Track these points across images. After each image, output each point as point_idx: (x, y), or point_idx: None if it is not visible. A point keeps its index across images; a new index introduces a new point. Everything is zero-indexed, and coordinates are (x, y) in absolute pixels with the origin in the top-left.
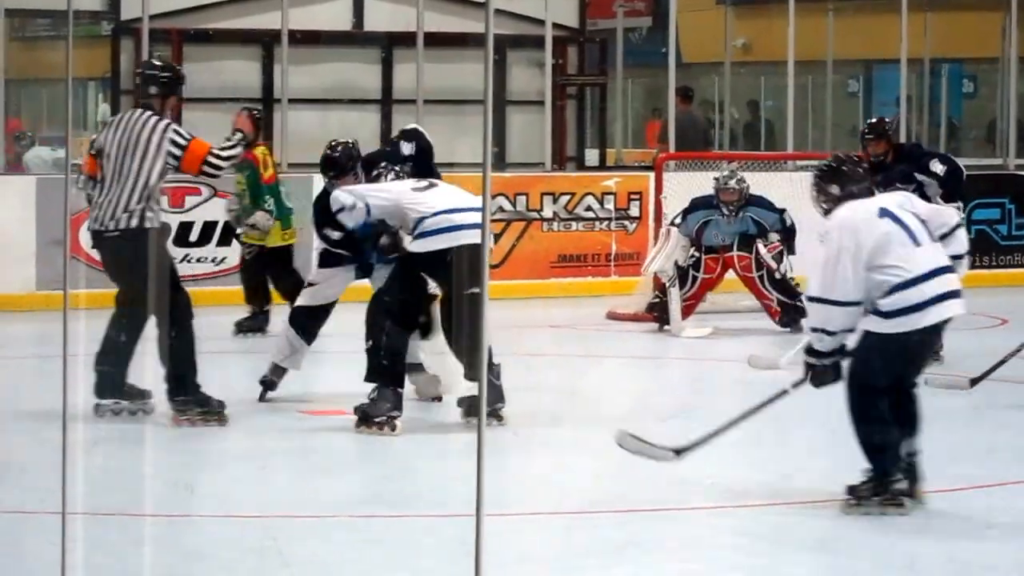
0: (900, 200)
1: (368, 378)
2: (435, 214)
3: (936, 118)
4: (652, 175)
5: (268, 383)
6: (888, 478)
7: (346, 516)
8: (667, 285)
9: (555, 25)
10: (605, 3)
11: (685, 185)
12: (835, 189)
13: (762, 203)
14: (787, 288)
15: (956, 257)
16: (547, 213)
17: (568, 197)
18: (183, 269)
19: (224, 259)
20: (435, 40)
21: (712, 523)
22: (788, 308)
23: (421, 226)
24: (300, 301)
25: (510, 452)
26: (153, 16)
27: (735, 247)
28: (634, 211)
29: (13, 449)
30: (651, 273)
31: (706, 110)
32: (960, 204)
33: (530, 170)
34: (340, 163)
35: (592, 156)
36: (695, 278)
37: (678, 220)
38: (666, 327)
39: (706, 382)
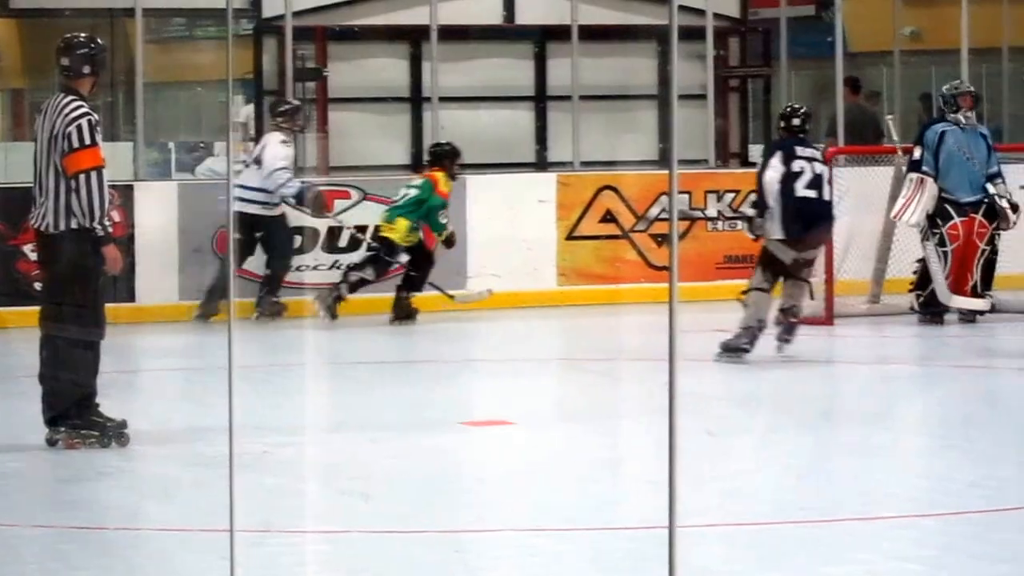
0: None
1: None
2: None
3: None
4: None
5: None
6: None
7: (513, 531)
8: (922, 242)
9: (716, 15)
10: None
11: (858, 181)
12: None
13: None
14: (989, 278)
15: None
16: (711, 212)
17: (733, 195)
18: (331, 276)
19: None
20: (590, 33)
21: (897, 534)
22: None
23: None
24: None
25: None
26: (296, 13)
27: (980, 211)
28: None
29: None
30: (909, 224)
31: (874, 102)
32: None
33: (693, 167)
34: None
35: (757, 152)
36: (944, 254)
37: (916, 154)
38: (935, 321)
39: (886, 384)
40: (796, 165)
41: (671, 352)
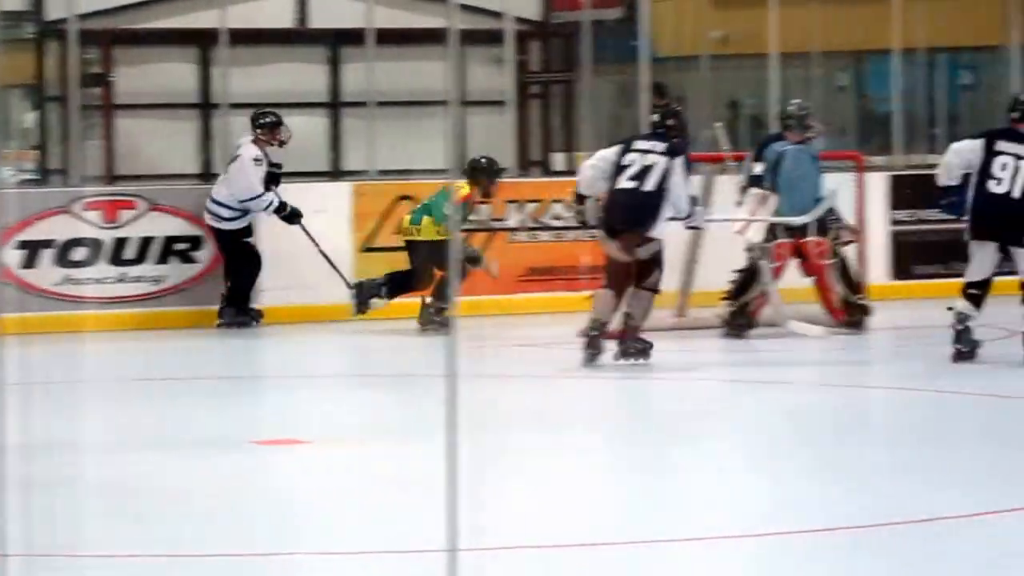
0: None
1: None
2: None
3: (932, 112)
4: None
5: None
6: None
7: (303, 553)
8: (756, 261)
9: (517, 19)
10: None
11: None
12: None
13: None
14: (851, 283)
15: None
16: (512, 223)
17: (534, 205)
18: (117, 289)
19: (163, 278)
20: (386, 37)
21: (692, 554)
22: (854, 306)
23: None
24: None
25: (479, 482)
26: (81, 16)
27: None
28: None
29: None
30: (752, 243)
31: (682, 108)
32: None
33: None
34: None
35: (559, 160)
36: (767, 269)
37: (758, 169)
38: (739, 335)
39: (690, 400)
40: (628, 158)
41: (450, 369)
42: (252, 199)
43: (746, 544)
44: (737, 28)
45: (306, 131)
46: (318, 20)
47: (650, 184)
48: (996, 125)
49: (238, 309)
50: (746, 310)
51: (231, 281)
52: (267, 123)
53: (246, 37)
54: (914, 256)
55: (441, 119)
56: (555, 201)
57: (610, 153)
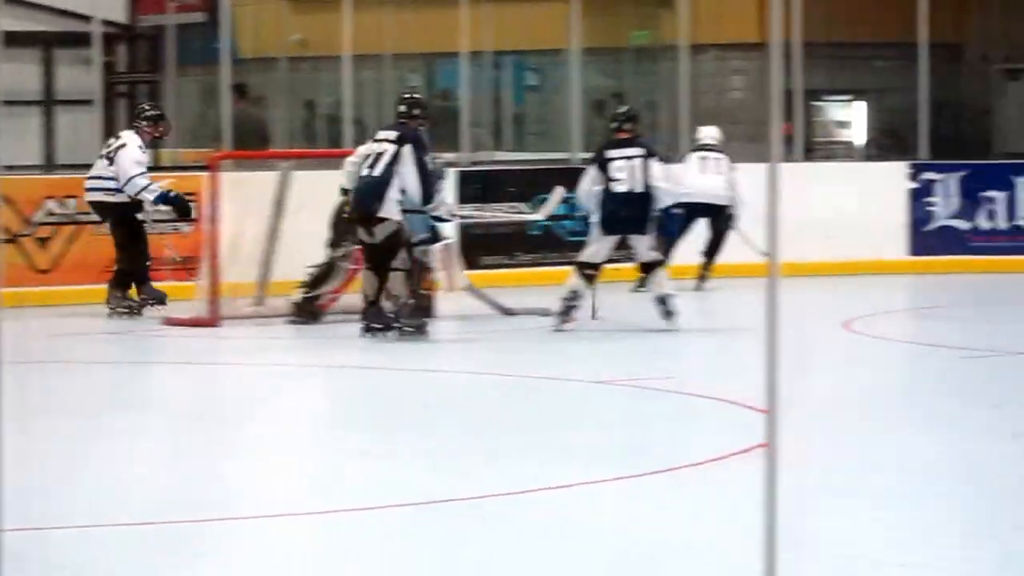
0: None
1: None
2: None
3: (499, 111)
4: (207, 175)
5: None
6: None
7: None
8: (334, 259)
9: (104, 21)
10: None
11: (243, 186)
12: None
13: None
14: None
15: None
16: (95, 216)
17: None
18: None
19: None
20: None
21: (266, 531)
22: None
23: None
24: None
25: (52, 462)
26: None
27: None
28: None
29: None
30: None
31: (262, 107)
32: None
33: (81, 172)
34: None
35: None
36: (343, 269)
37: None
38: (312, 323)
39: (268, 384)
40: (369, 148)
41: None
42: (144, 185)
43: (297, 522)
44: (314, 31)
45: None
46: None
47: (379, 169)
48: (559, 124)
49: (125, 294)
50: (315, 301)
51: (118, 264)
52: (151, 115)
53: None
54: (481, 248)
55: (28, 118)
56: None
57: (364, 147)
